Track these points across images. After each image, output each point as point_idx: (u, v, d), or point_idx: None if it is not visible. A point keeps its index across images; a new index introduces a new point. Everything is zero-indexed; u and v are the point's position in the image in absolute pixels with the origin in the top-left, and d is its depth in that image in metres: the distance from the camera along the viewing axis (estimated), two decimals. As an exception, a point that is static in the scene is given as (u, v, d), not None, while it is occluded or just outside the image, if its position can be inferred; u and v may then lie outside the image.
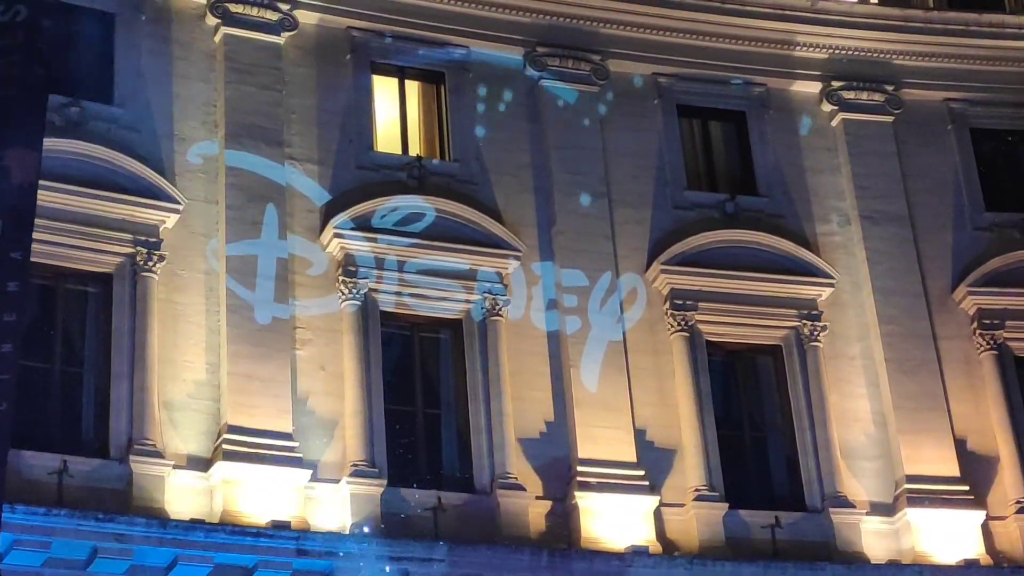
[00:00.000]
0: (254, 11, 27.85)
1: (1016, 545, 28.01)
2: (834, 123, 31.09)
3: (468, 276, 27.37)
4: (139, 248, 25.51)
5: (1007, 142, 32.18)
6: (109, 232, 25.47)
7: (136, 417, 24.60)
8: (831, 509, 27.53)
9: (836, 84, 31.18)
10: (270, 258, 26.34)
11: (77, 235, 25.01)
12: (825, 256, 29.75)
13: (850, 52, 31.54)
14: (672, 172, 29.87)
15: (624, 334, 28.03)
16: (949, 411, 28.88)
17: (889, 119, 31.17)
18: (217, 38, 27.67)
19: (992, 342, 29.37)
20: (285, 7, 28.08)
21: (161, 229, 25.82)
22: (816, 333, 28.80)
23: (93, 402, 25.01)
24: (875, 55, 31.68)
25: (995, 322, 29.51)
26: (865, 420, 28.82)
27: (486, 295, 27.30)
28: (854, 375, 29.12)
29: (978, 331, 29.46)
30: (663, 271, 28.53)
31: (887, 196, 30.48)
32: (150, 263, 25.50)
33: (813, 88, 31.30)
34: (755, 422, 28.95)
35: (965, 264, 30.23)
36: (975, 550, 27.57)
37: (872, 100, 31.20)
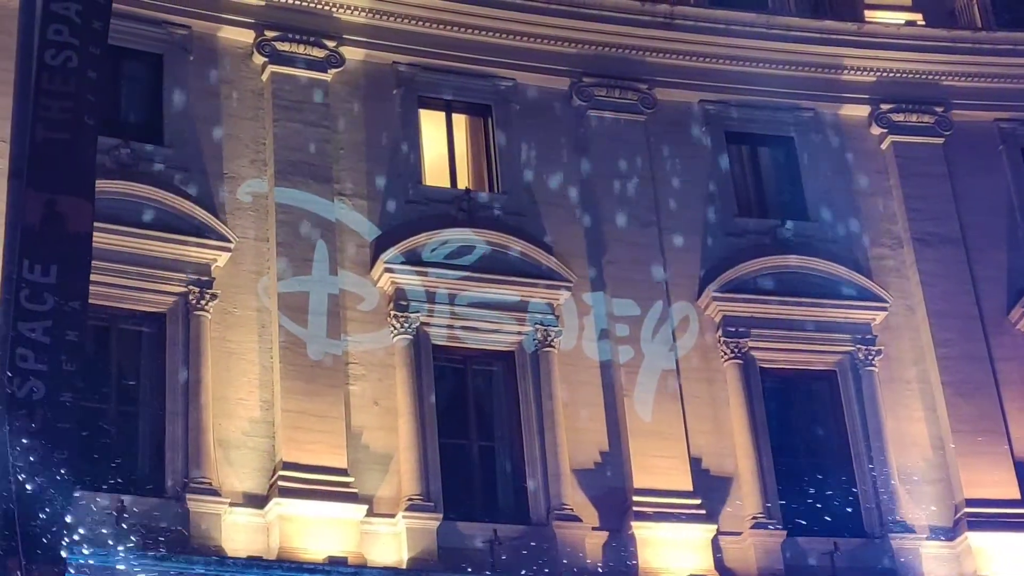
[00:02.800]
0: (300, 49, 28.10)
1: (1080, 565, 27.86)
2: (884, 146, 31.04)
3: (519, 308, 27.46)
4: (192, 287, 25.73)
5: (1058, 161, 32.10)
6: (162, 272, 25.70)
7: (191, 455, 24.78)
8: (890, 535, 27.43)
9: (885, 107, 31.14)
10: (321, 294, 26.50)
11: (130, 276, 25.24)
12: (878, 280, 29.69)
13: (898, 74, 31.50)
14: (722, 199, 29.89)
15: (677, 362, 28.05)
16: (1008, 433, 28.72)
17: (939, 140, 31.09)
18: (264, 76, 27.92)
19: (1049, 362, 29.29)
20: (331, 44, 28.31)
21: (213, 268, 26.03)
22: (871, 357, 28.73)
23: (149, 441, 25.22)
24: (924, 76, 31.61)
25: (1052, 342, 29.43)
26: (923, 444, 28.70)
27: (538, 327, 27.39)
28: (910, 399, 29.01)
29: (1035, 351, 29.38)
30: (715, 298, 28.54)
31: (939, 218, 30.39)
32: (203, 302, 25.71)
33: (862, 111, 31.28)
34: (811, 448, 28.87)
35: (1020, 284, 30.08)
36: (1039, 572, 27.43)
37: (922, 122, 31.14)
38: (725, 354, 28.31)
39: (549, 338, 27.36)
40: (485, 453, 27.23)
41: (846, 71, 31.29)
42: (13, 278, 16.57)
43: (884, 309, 29.33)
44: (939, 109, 31.27)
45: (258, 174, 27.27)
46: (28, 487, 16.43)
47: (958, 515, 27.87)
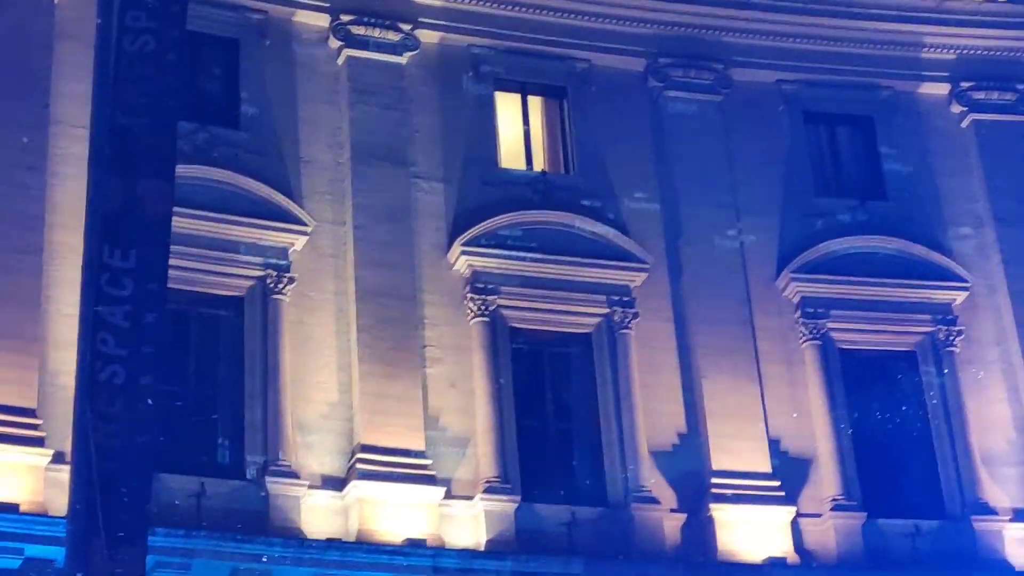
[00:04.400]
0: (376, 32, 28.14)
1: None
2: (964, 124, 30.73)
3: (596, 290, 27.45)
4: (269, 271, 25.89)
5: None
6: (239, 256, 25.90)
7: (271, 439, 24.96)
8: (973, 516, 27.26)
9: (965, 85, 30.81)
10: (398, 277, 26.62)
11: (208, 260, 25.44)
12: (959, 259, 29.44)
13: (979, 51, 31.16)
14: (800, 179, 29.72)
15: (756, 343, 27.98)
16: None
17: (1021, 119, 30.72)
18: (340, 60, 28.00)
19: None
20: (406, 27, 28.33)
21: (290, 251, 26.17)
22: (952, 338, 28.52)
23: (228, 424, 25.42)
24: (1005, 54, 31.28)
25: None
26: (1005, 425, 28.49)
27: (614, 308, 27.35)
28: (992, 380, 28.77)
29: (1115, 331, 29.06)
30: (793, 279, 28.42)
31: (1021, 197, 30.09)
32: (280, 285, 25.86)
33: (942, 89, 30.96)
34: (891, 429, 28.68)
35: (1104, 261, 29.79)
36: (1122, 553, 27.17)
37: (1003, 100, 30.82)
38: (804, 335, 28.19)
39: (626, 320, 27.32)
40: (562, 435, 27.30)
41: (925, 48, 30.99)
42: (94, 263, 16.76)
43: (965, 289, 29.11)
44: (1021, 87, 30.89)
45: (335, 157, 27.38)
46: (110, 471, 16.61)
47: (1041, 498, 27.69)
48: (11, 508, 22.52)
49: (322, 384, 25.79)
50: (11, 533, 22.21)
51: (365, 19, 28.15)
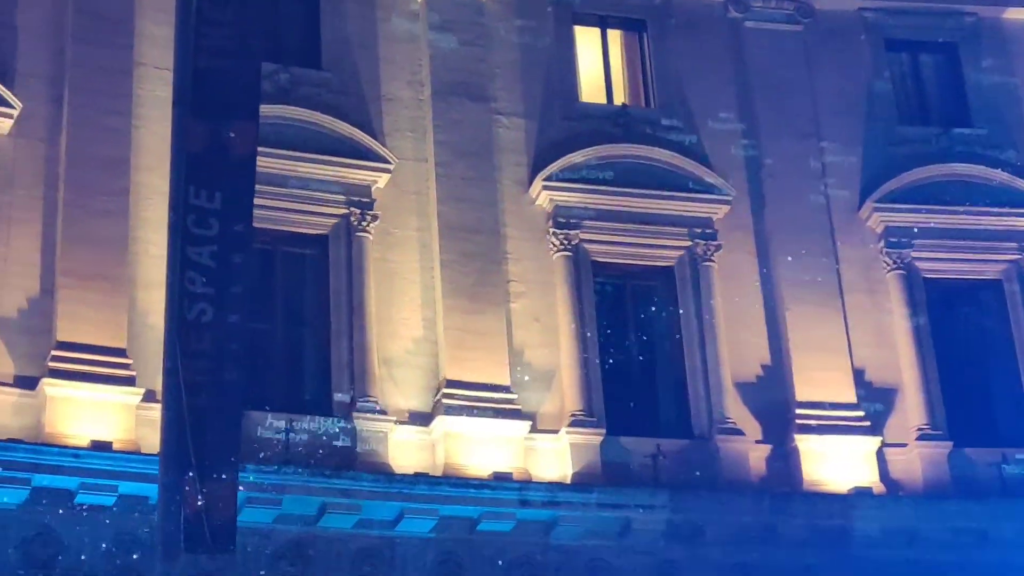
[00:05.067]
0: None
1: None
2: (1049, 49, 30.37)
3: (678, 223, 27.41)
4: (353, 209, 25.99)
5: None
6: (323, 195, 25.98)
7: (357, 375, 25.12)
8: (1060, 444, 27.18)
9: (1050, 8, 30.43)
10: (481, 213, 26.68)
11: (293, 199, 25.54)
12: (1046, 187, 29.22)
13: (1063, -24, 30.71)
14: (882, 108, 29.48)
15: (839, 274, 27.86)
16: None
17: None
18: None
19: None
20: (485, -38, 28.32)
21: (373, 189, 26.26)
22: (1036, 265, 28.42)
23: (315, 361, 25.62)
24: (1088, -23, 30.79)
25: None
26: (1092, 352, 28.31)
27: (697, 241, 27.32)
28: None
29: None
30: (876, 209, 28.25)
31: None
32: (364, 223, 25.98)
33: (1026, 14, 30.61)
34: (977, 358, 28.50)
35: None
36: None
37: (1088, 23, 30.41)
38: (887, 265, 28.07)
39: (709, 252, 27.29)
40: (646, 368, 27.29)
41: (1011, -28, 30.54)
42: (180, 204, 16.93)
43: (1052, 216, 28.85)
44: (1108, 8, 30.44)
45: (415, 95, 27.39)
46: (199, 408, 16.83)
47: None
48: (104, 447, 22.80)
49: (407, 320, 25.90)
50: (105, 471, 22.47)
51: (445, -44, 28.15)
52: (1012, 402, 27.97)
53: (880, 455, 26.62)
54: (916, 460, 26.84)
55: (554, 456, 25.52)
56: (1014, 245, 28.57)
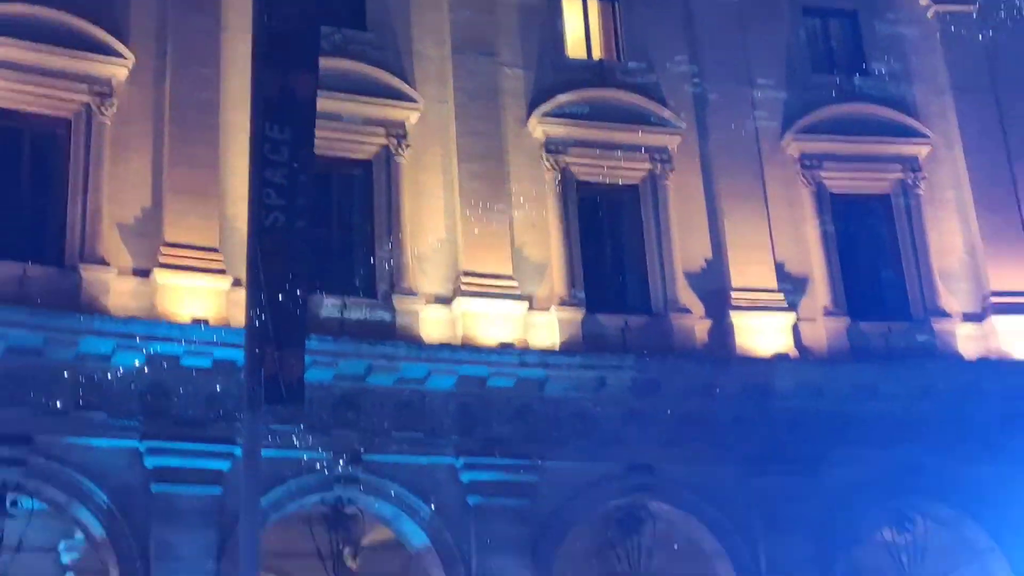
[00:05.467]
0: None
1: None
2: (930, 15, 29.65)
3: (641, 150, 27.15)
4: (391, 139, 25.77)
5: None
6: (368, 128, 25.72)
7: (395, 267, 25.08)
8: (932, 318, 27.16)
9: (931, -17, 29.95)
10: (489, 142, 26.41)
11: (345, 131, 25.22)
12: (924, 121, 28.87)
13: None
14: (800, 59, 29.00)
15: (765, 190, 27.63)
16: None
17: (973, 8, 29.53)
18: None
19: None
20: (492, -53, 27.80)
21: (407, 124, 26.00)
22: (917, 183, 28.24)
23: (362, 258, 25.45)
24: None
25: None
26: (958, 250, 28.16)
27: (656, 164, 27.12)
28: (948, 215, 28.32)
29: None
30: (795, 139, 28.02)
31: (973, 71, 29.19)
32: (399, 151, 25.77)
33: (912, -13, 30.08)
34: (870, 254, 28.27)
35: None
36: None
37: (963, -3, 29.75)
38: (803, 183, 27.88)
39: (665, 173, 27.10)
40: (617, 262, 27.15)
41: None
42: (258, 136, 16.83)
43: (928, 144, 28.59)
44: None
45: (440, 50, 26.96)
46: (276, 293, 16.75)
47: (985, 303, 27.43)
48: (203, 322, 22.89)
49: (433, 226, 25.77)
50: (203, 341, 22.54)
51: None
52: (896, 288, 27.89)
53: (795, 328, 26.60)
54: (822, 331, 26.82)
55: (546, 329, 25.49)
56: (899, 167, 28.35)
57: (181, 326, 22.63)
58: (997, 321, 27.11)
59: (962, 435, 25.24)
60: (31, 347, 21.67)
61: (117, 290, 23.02)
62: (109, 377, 22.13)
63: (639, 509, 24.84)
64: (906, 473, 25.17)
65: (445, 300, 25.18)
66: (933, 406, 25.44)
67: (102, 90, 23.97)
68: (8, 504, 21.77)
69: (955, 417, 25.34)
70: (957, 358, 26.84)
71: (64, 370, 21.82)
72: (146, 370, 22.30)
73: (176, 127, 24.18)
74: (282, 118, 17.13)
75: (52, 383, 21.73)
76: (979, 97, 28.97)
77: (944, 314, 27.32)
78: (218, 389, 22.36)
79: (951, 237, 28.19)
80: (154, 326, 22.50)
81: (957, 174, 28.56)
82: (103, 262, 23.11)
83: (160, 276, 23.19)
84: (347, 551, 23.63)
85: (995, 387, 25.82)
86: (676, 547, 25.16)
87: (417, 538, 24.06)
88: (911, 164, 28.36)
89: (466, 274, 25.18)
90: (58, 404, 21.78)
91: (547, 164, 26.67)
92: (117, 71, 24.22)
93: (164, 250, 23.38)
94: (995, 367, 26.48)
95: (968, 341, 27.19)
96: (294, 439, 22.27)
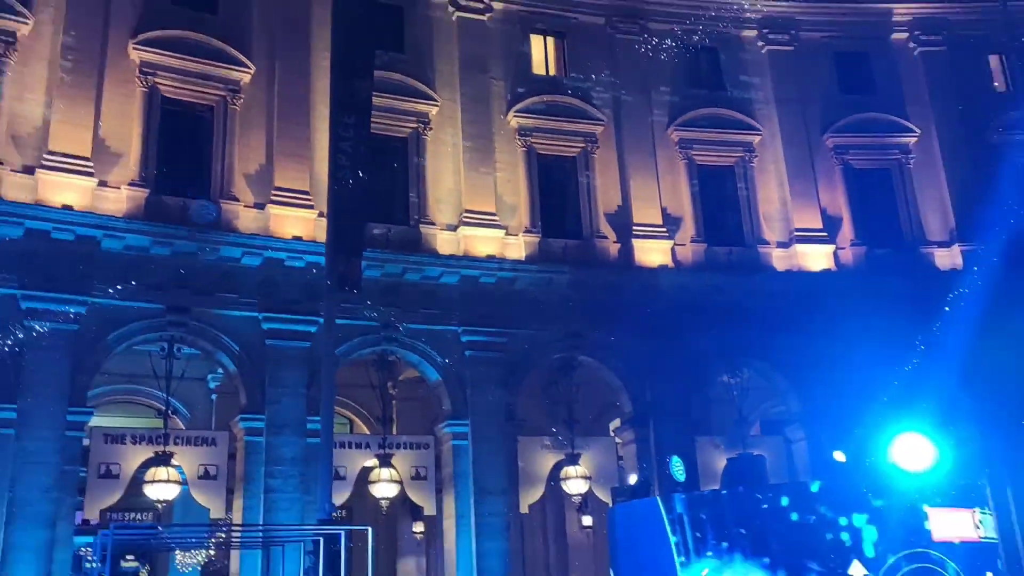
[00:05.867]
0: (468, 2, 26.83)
1: None
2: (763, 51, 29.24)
3: (579, 135, 26.67)
4: (419, 124, 25.50)
5: None
6: (405, 117, 25.22)
7: (421, 205, 24.89)
8: (758, 244, 26.90)
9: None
10: (482, 128, 26.04)
11: (390, 119, 24.71)
12: (755, 116, 28.41)
13: None
14: (680, 79, 28.38)
15: (656, 163, 26.95)
16: None
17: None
18: (454, 19, 26.72)
19: None
20: (488, 1, 27.06)
21: (430, 115, 25.70)
22: (752, 161, 27.82)
23: (401, 199, 25.08)
24: None
25: None
26: (775, 201, 27.73)
27: (588, 144, 26.65)
28: (767, 176, 28.02)
29: None
30: (675, 130, 27.44)
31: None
32: (425, 132, 25.56)
33: (751, 32, 29.26)
34: (723, 203, 27.56)
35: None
36: None
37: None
38: (680, 157, 27.31)
39: (593, 151, 26.67)
40: (563, 205, 26.67)
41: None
42: (336, 120, 16.81)
43: (759, 135, 28.04)
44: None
45: (452, 69, 26.29)
46: (344, 220, 16.66)
47: (791, 236, 26.99)
48: (298, 238, 22.88)
49: (445, 180, 25.56)
50: (300, 249, 22.66)
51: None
52: (736, 225, 27.39)
53: (672, 250, 26.38)
54: (689, 251, 26.52)
55: (516, 247, 25.48)
56: (741, 149, 27.94)
57: (285, 240, 22.63)
58: (798, 247, 27.16)
59: (773, 316, 25.26)
60: (189, 251, 21.70)
61: (244, 216, 22.97)
62: (238, 272, 22.09)
63: (572, 359, 25.13)
64: (738, 340, 25.28)
65: (453, 227, 25.12)
66: (756, 299, 25.42)
67: (233, 88, 23.75)
68: (176, 350, 21.88)
69: (770, 306, 25.38)
70: (773, 270, 26.90)
71: (209, 266, 21.88)
72: (262, 269, 22.28)
73: (282, 113, 23.92)
74: (350, 109, 17.04)
75: (203, 274, 21.91)
76: (792, 106, 28.51)
77: (765, 242, 27.26)
78: (308, 281, 22.38)
79: (770, 192, 27.94)
80: (268, 240, 22.53)
81: (776, 154, 28.30)
82: (235, 199, 23.04)
83: (271, 208, 23.10)
84: (389, 384, 23.86)
85: (794, 287, 25.98)
86: (594, 384, 25.41)
87: (433, 376, 24.30)
88: (748, 147, 28.06)
89: (467, 211, 25.12)
90: (206, 288, 21.75)
91: (519, 143, 26.45)
92: (243, 76, 23.88)
93: (274, 192, 23.25)
94: (796, 276, 26.64)
95: (780, 259, 27.23)
96: (357, 313, 22.28)
